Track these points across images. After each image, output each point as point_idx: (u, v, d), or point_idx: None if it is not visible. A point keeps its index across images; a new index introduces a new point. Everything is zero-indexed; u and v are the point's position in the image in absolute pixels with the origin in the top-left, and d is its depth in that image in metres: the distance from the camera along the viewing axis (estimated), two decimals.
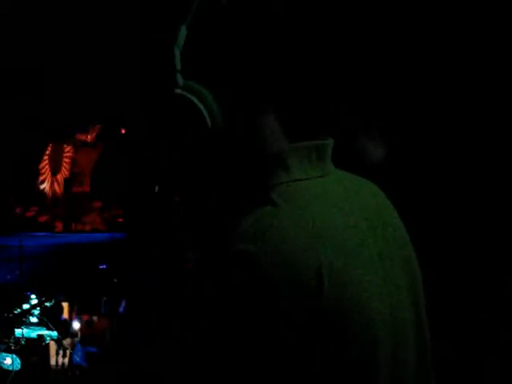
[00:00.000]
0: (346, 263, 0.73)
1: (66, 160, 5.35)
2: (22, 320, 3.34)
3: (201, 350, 0.69)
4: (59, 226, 4.95)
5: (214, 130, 0.78)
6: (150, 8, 0.85)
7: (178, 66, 0.79)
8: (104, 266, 3.87)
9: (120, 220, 4.64)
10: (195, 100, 0.78)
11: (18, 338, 3.31)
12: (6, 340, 3.27)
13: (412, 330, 0.84)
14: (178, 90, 0.78)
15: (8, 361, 3.23)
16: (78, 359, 3.67)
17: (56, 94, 5.01)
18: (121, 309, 3.77)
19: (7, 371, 3.23)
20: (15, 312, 3.37)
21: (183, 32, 0.79)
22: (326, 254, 0.71)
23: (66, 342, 3.70)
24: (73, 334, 3.49)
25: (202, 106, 0.78)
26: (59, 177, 5.37)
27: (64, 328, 3.45)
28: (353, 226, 0.79)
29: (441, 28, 2.50)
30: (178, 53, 0.79)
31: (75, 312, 3.79)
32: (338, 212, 0.78)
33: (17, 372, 3.24)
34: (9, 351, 3.24)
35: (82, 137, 5.28)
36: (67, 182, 5.17)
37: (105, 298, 3.78)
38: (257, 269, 0.67)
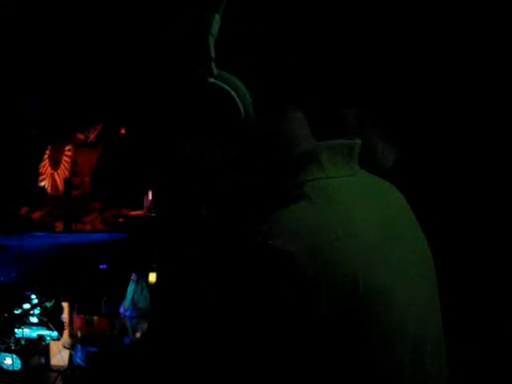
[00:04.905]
0: (379, 268, 0.73)
1: (66, 160, 5.35)
2: (22, 320, 3.34)
3: (225, 348, 0.68)
4: (59, 226, 4.94)
5: (246, 121, 0.77)
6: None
7: (213, 55, 0.77)
8: (104, 266, 3.87)
9: (120, 220, 4.64)
10: (230, 90, 0.76)
11: (18, 338, 3.31)
12: (6, 340, 3.27)
13: (432, 338, 0.84)
14: (212, 79, 0.77)
15: (8, 361, 3.23)
16: (78, 359, 3.67)
17: (56, 93, 5.01)
18: (121, 309, 3.77)
19: (7, 371, 3.23)
20: (15, 312, 3.37)
21: (217, 20, 0.77)
22: (362, 258, 0.71)
23: (66, 341, 3.70)
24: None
25: (236, 97, 0.77)
26: (59, 176, 5.36)
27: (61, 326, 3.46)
28: (383, 230, 0.79)
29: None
30: (212, 41, 0.77)
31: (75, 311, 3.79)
32: (371, 215, 0.78)
33: (17, 372, 3.24)
34: (9, 351, 3.24)
35: (81, 137, 5.28)
36: (67, 182, 5.16)
37: (105, 298, 3.78)
38: (294, 267, 0.66)
